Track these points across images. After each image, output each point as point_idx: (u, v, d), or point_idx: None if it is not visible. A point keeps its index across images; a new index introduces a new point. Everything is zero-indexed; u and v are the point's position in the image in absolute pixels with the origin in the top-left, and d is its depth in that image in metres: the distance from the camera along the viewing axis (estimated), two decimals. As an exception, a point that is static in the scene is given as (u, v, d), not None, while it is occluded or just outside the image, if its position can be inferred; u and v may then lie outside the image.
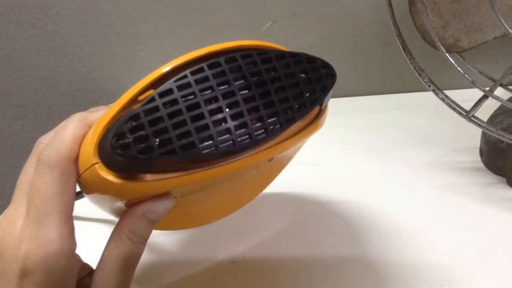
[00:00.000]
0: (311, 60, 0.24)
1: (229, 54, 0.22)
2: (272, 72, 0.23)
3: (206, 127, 0.21)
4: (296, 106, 0.23)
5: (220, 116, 0.21)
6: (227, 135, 0.21)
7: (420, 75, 0.37)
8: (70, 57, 0.59)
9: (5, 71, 0.60)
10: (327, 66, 0.24)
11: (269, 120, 0.22)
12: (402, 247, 0.35)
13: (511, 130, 0.40)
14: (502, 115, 0.43)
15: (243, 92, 0.22)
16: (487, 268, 0.32)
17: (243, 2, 0.54)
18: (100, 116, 0.23)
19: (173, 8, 0.55)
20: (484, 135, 0.44)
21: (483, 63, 0.45)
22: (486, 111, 0.44)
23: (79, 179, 0.23)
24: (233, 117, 0.21)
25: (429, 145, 0.47)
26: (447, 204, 0.39)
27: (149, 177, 0.21)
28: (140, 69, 0.60)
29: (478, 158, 0.44)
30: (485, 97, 0.35)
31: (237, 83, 0.22)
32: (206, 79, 0.21)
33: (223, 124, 0.21)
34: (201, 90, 0.21)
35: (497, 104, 0.45)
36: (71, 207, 0.22)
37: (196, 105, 0.21)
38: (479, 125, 0.36)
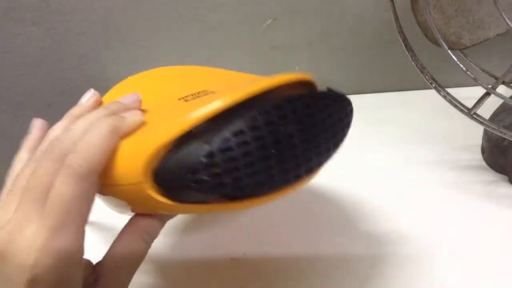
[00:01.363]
0: (340, 98, 0.26)
1: (281, 94, 0.23)
2: (320, 115, 0.24)
3: (270, 168, 0.22)
4: (333, 145, 0.26)
5: (282, 158, 0.23)
6: (285, 174, 0.23)
7: (422, 72, 0.37)
8: (70, 54, 0.59)
9: (5, 68, 0.59)
10: (349, 103, 0.27)
11: (316, 160, 0.24)
12: (402, 244, 0.35)
13: (513, 128, 0.40)
14: (504, 113, 0.43)
15: (298, 135, 0.23)
16: (489, 266, 0.32)
17: (244, -1, 0.54)
18: (133, 125, 0.23)
19: (173, 5, 0.55)
20: (485, 133, 0.44)
21: (485, 61, 0.45)
22: (487, 109, 0.44)
23: (111, 188, 0.23)
24: (291, 158, 0.23)
25: (430, 143, 0.47)
26: (448, 201, 0.39)
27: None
28: (140, 67, 0.59)
29: (480, 156, 0.44)
30: (487, 94, 0.35)
31: (295, 127, 0.23)
32: (272, 122, 0.22)
33: (282, 164, 0.23)
34: (269, 132, 0.22)
35: (498, 103, 0.45)
36: (88, 218, 0.22)
37: (265, 147, 0.22)
38: (481, 123, 0.36)
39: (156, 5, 0.55)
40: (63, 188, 0.21)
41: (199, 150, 0.21)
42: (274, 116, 0.22)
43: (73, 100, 0.62)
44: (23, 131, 0.27)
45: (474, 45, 0.37)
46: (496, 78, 0.37)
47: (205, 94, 0.28)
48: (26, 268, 0.20)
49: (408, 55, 0.37)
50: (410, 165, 0.44)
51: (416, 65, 0.37)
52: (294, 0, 0.54)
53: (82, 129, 0.23)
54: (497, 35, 0.35)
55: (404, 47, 0.36)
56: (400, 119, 0.53)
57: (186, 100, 0.27)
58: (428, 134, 0.49)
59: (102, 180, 0.23)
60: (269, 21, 0.55)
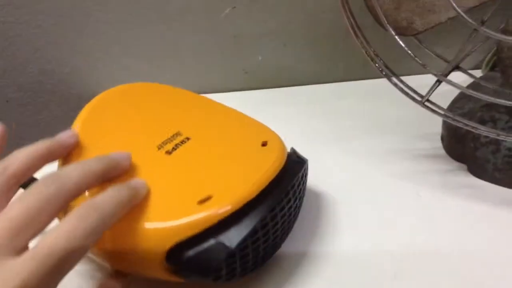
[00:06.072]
0: (303, 164, 0.32)
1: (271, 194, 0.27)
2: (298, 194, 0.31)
3: (268, 250, 0.28)
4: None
5: (277, 239, 0.29)
6: (276, 247, 0.30)
7: (372, 60, 0.35)
8: (26, 48, 0.57)
9: (-41, 64, 0.57)
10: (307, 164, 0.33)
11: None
12: (355, 236, 0.34)
13: (471, 116, 0.39)
14: (464, 99, 0.42)
15: (289, 219, 0.30)
16: (443, 258, 0.31)
17: (203, -12, 0.52)
18: (141, 198, 0.25)
19: (130, -4, 0.53)
20: (444, 121, 0.42)
21: (442, 47, 0.43)
22: (450, 95, 0.43)
23: (120, 261, 0.25)
24: (281, 236, 0.30)
25: (391, 132, 0.46)
26: (404, 192, 0.38)
27: None
28: (99, 59, 0.58)
29: (440, 145, 0.43)
30: (438, 81, 0.34)
31: (287, 215, 0.29)
32: (275, 216, 0.27)
33: (276, 242, 0.30)
34: (272, 226, 0.27)
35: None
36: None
37: (269, 238, 0.27)
38: (433, 111, 0.35)
39: (110, -5, 0.53)
40: (61, 242, 0.19)
41: (220, 252, 0.23)
42: (277, 212, 0.27)
43: (33, 95, 0.61)
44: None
45: (426, 30, 0.35)
46: (452, 64, 0.36)
47: (181, 141, 0.31)
48: None
49: (357, 42, 0.35)
50: (369, 155, 0.43)
51: (366, 52, 0.35)
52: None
53: (75, 180, 0.22)
54: (449, 18, 0.34)
55: (353, 33, 0.35)
56: (360, 109, 0.52)
57: (167, 152, 0.29)
58: (388, 124, 0.48)
59: (111, 257, 0.25)
60: (228, 10, 0.53)
